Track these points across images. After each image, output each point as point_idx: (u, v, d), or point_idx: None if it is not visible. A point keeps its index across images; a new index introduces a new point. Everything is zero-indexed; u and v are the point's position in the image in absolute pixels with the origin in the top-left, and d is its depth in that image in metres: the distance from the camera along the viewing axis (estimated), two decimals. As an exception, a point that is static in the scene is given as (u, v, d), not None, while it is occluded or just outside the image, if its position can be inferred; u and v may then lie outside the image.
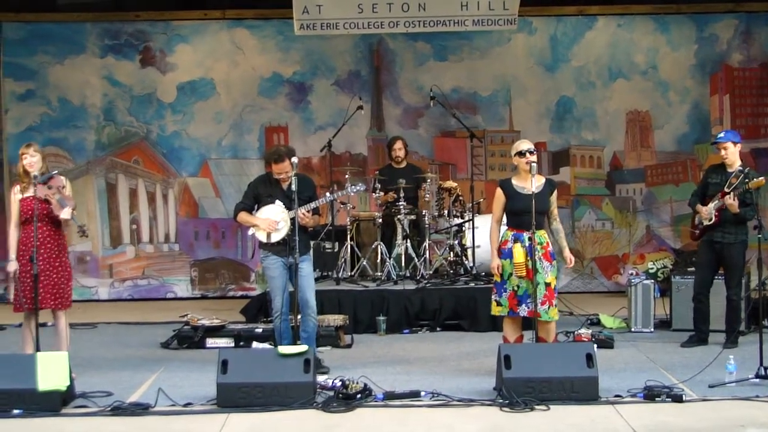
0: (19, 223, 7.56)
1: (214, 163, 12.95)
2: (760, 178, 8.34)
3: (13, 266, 7.55)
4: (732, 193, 8.38)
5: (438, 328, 9.92)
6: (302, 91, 12.89)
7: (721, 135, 8.76)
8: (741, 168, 8.45)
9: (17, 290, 7.61)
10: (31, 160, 7.58)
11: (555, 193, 7.58)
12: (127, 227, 12.92)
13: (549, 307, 7.34)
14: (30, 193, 7.48)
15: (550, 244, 7.47)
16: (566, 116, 12.91)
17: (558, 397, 6.62)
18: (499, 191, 7.53)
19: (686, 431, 6.13)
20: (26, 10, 12.65)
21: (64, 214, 7.47)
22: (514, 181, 7.51)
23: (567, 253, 7.58)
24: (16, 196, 7.62)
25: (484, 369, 7.72)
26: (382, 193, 10.65)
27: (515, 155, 7.47)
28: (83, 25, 12.77)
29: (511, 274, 7.34)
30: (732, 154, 8.57)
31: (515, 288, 7.34)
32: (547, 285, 7.34)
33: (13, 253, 7.57)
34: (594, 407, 6.57)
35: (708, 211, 8.60)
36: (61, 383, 6.66)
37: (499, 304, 7.43)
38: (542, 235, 7.40)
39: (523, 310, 7.34)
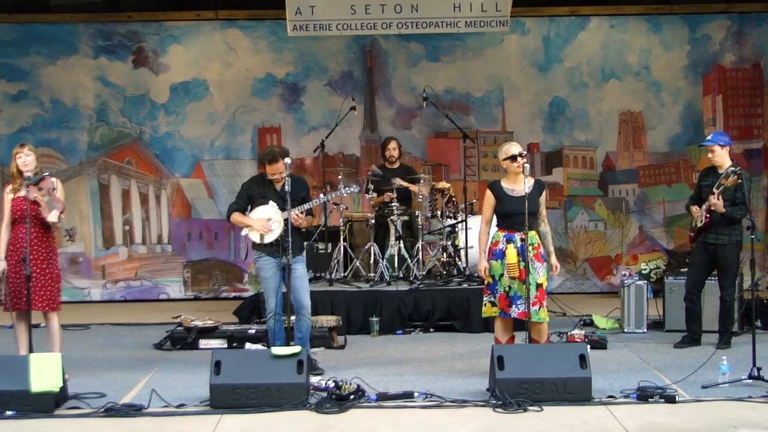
0: (10, 223, 7.56)
1: (207, 164, 12.93)
2: (735, 176, 8.29)
3: (1, 266, 7.55)
4: (717, 192, 8.39)
5: (431, 329, 9.91)
6: (295, 92, 12.88)
7: (709, 138, 8.76)
8: (733, 169, 8.45)
9: (5, 291, 7.62)
10: (26, 159, 7.57)
11: (544, 194, 7.59)
12: (120, 228, 12.89)
13: (540, 308, 7.34)
14: (22, 193, 7.49)
15: (541, 246, 7.47)
16: (559, 117, 12.93)
17: (551, 398, 6.63)
18: (488, 193, 7.53)
19: (679, 432, 6.15)
20: (19, 10, 12.61)
21: (51, 217, 7.44)
22: (503, 184, 7.51)
23: (553, 259, 7.56)
24: (8, 195, 7.62)
25: (477, 370, 7.72)
26: (375, 194, 10.64)
27: (506, 160, 7.46)
28: (76, 26, 12.73)
29: (502, 275, 7.34)
30: (720, 156, 8.59)
31: (507, 289, 7.34)
32: (539, 286, 7.34)
33: (1, 253, 7.56)
34: (587, 408, 6.58)
35: (700, 213, 8.63)
36: (54, 384, 6.64)
37: (493, 305, 7.43)
38: (534, 236, 7.40)
39: (514, 311, 7.34)
